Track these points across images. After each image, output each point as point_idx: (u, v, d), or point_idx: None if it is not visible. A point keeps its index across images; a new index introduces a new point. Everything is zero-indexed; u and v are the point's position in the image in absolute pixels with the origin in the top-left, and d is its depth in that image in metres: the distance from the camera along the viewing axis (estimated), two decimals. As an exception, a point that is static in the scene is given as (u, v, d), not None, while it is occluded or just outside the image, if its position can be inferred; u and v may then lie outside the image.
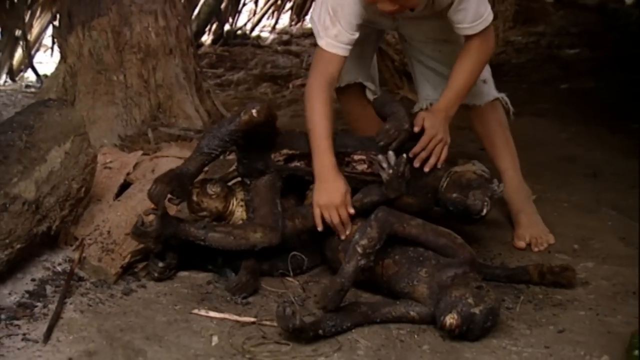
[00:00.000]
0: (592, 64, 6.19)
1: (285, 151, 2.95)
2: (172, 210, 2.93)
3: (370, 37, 3.42)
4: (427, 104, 3.35)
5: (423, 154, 2.86)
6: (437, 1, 2.97)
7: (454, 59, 3.14)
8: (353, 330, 2.48)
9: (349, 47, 3.04)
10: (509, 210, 3.34)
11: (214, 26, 7.11)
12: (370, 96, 3.45)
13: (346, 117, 3.62)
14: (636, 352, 2.25)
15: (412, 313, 2.54)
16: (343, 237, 2.80)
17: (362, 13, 2.99)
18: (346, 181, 2.86)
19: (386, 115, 2.89)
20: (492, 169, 3.09)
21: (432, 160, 2.87)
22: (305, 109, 3.00)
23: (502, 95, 3.38)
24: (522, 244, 3.20)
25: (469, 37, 3.03)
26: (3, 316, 2.45)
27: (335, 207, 2.79)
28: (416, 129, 2.86)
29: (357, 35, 3.03)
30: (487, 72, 3.32)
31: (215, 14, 6.82)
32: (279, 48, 7.27)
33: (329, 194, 2.81)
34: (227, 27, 7.31)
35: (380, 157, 2.71)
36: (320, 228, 2.82)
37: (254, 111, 2.76)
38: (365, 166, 2.90)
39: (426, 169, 2.86)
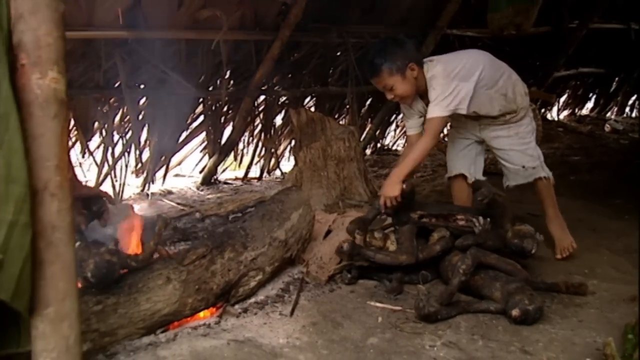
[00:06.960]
0: (588, 166, 5.85)
1: (418, 212, 2.89)
2: (358, 239, 2.90)
3: (471, 144, 3.24)
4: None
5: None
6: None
7: (515, 159, 3.01)
8: (457, 317, 2.38)
9: (411, 128, 3.07)
10: (550, 232, 3.13)
11: (372, 144, 7.13)
12: (469, 181, 3.22)
13: (453, 194, 3.33)
14: (629, 335, 2.06)
15: (491, 308, 2.41)
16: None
17: (416, 105, 3.01)
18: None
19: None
20: (535, 227, 2.90)
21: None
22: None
23: (549, 175, 3.11)
24: (559, 256, 3.03)
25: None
26: (269, 301, 2.50)
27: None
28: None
29: (416, 120, 3.04)
30: (535, 161, 3.07)
31: (373, 138, 6.85)
32: (406, 157, 7.22)
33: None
34: (379, 144, 7.33)
35: (474, 219, 2.61)
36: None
37: (404, 186, 2.76)
38: (464, 222, 2.80)
39: None
